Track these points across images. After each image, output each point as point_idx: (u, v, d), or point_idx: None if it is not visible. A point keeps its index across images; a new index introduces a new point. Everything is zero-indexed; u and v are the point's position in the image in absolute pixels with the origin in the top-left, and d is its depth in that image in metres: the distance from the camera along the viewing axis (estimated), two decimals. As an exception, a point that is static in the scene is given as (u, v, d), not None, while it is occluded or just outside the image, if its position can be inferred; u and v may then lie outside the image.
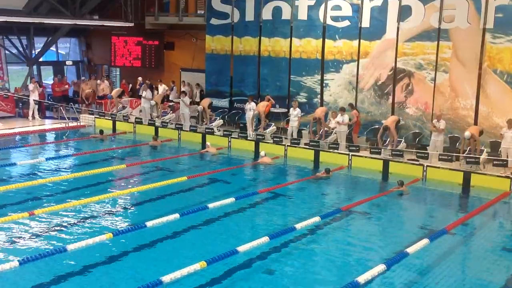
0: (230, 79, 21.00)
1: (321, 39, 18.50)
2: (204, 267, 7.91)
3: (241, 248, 8.67)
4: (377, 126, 16.99)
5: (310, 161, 16.17)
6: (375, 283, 7.86)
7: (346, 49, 18.02)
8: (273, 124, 18.53)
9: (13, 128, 19.79)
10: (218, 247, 8.95)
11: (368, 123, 17.45)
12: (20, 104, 22.77)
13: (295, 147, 16.84)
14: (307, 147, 16.66)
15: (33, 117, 21.84)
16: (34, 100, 21.72)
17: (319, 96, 18.71)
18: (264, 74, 20.04)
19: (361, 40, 17.63)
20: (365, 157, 15.67)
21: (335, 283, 7.84)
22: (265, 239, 9.16)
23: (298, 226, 9.95)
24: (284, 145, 16.99)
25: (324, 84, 18.59)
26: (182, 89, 22.41)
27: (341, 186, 14.32)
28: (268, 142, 17.39)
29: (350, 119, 16.78)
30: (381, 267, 7.97)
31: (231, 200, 11.52)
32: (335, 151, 16.12)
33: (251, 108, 18.61)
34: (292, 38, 19.18)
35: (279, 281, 8.07)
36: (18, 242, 9.01)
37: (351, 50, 17.90)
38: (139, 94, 22.75)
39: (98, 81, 24.65)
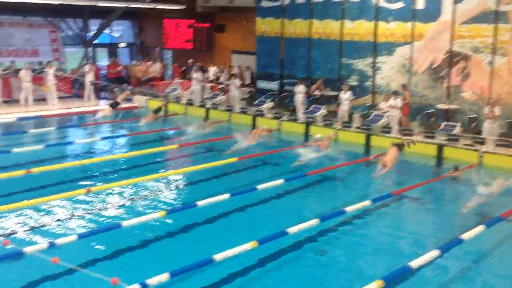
0: (281, 61, 20.93)
1: (374, 21, 18.17)
2: (255, 247, 7.98)
3: (291, 230, 8.67)
4: (431, 110, 16.64)
5: (361, 144, 16.00)
6: (428, 268, 7.74)
7: (400, 32, 17.64)
8: (324, 107, 18.39)
9: (70, 108, 20.40)
10: (268, 228, 9.00)
11: (422, 107, 17.09)
12: (76, 85, 23.42)
13: (346, 130, 16.67)
14: (358, 130, 16.47)
15: (89, 98, 22.43)
16: (90, 81, 22.30)
17: (371, 79, 18.44)
18: (315, 57, 19.88)
19: (415, 22, 17.22)
20: (419, 141, 15.37)
21: (386, 267, 7.76)
22: (315, 221, 9.13)
23: (349, 209, 9.86)
24: (335, 128, 16.84)
25: (376, 67, 18.29)
26: (233, 71, 22.51)
27: (393, 171, 14.04)
28: (318, 125, 17.29)
29: (400, 101, 16.52)
30: (435, 252, 7.83)
31: (280, 181, 11.53)
32: (387, 135, 15.88)
33: (300, 91, 18.56)
34: (344, 20, 18.91)
35: (329, 264, 8.06)
36: (76, 217, 9.32)
37: (404, 33, 17.52)
38: (190, 76, 23.00)
39: (149, 63, 25.02)
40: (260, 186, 11.04)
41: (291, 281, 7.38)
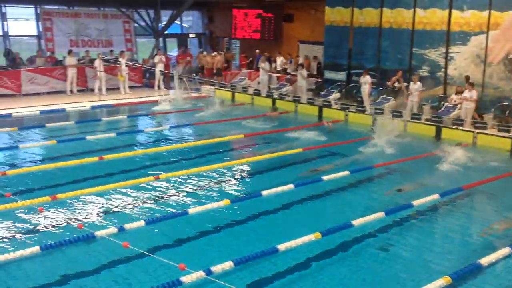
0: (349, 51, 20.63)
1: (448, 9, 17.55)
2: (318, 239, 7.97)
3: (356, 222, 8.62)
4: (506, 103, 15.93)
5: (431, 137, 15.56)
6: (499, 266, 7.44)
7: (475, 20, 16.96)
8: (392, 98, 18.00)
9: (140, 97, 20.99)
10: (332, 220, 8.95)
11: (496, 99, 16.39)
12: (147, 75, 24.06)
13: (416, 122, 16.25)
14: (429, 122, 16.01)
15: (159, 88, 22.99)
16: (160, 71, 22.86)
17: (443, 70, 17.86)
18: (385, 47, 19.47)
19: (491, 11, 16.49)
20: (492, 135, 14.77)
21: (454, 263, 7.53)
22: (380, 214, 9.02)
23: (416, 202, 9.66)
24: (404, 120, 16.45)
25: (449, 57, 17.69)
26: (300, 61, 22.41)
27: (463, 164, 13.60)
28: (386, 117, 16.93)
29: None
30: (506, 250, 7.53)
31: (345, 173, 11.43)
32: (459, 127, 15.35)
33: (365, 82, 18.30)
34: (416, 9, 18.38)
35: (393, 258, 7.88)
36: (144, 204, 9.58)
37: (480, 21, 16.82)
38: (257, 66, 23.12)
39: (214, 53, 25.30)
40: (325, 177, 11.01)
41: (355, 274, 7.30)
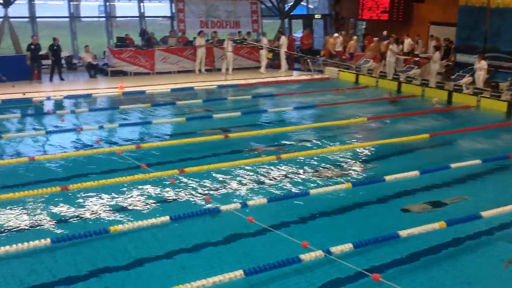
0: (484, 33, 19.38)
1: None
2: (443, 228, 7.69)
3: (485, 214, 8.18)
4: None
5: None
6: None
7: None
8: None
9: (264, 78, 21.33)
10: (458, 209, 8.58)
11: None
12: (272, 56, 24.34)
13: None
14: None
15: (284, 68, 23.21)
16: (285, 52, 23.07)
17: None
18: (525, 29, 18.05)
19: None
20: None
21: None
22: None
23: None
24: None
25: None
26: (433, 44, 21.38)
27: None
28: (523, 104, 15.81)
29: None
30: None
31: (477, 161, 10.85)
32: None
33: (481, 67, 17.22)
34: None
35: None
36: (266, 182, 9.74)
37: None
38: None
39: (336, 34, 24.81)
40: (453, 165, 10.53)
41: (477, 268, 6.93)
